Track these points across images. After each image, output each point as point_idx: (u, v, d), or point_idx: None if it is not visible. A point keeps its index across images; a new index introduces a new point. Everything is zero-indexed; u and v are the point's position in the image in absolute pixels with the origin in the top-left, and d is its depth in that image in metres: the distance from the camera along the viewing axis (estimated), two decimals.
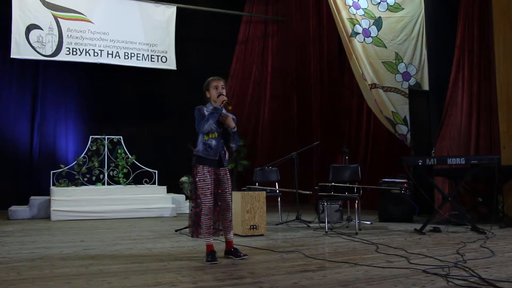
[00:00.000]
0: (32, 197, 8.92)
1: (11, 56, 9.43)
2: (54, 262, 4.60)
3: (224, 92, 4.68)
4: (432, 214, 6.78)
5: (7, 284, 3.77)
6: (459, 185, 6.93)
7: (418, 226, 6.58)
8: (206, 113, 4.62)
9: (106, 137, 9.71)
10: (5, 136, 8.53)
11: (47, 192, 9.12)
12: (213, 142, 4.61)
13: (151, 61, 10.79)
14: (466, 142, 8.11)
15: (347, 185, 6.81)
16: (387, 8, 9.22)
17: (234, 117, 4.78)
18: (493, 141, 7.85)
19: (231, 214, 4.81)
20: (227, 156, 4.75)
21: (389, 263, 4.39)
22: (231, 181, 4.86)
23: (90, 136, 9.66)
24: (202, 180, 4.58)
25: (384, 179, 7.97)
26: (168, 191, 9.74)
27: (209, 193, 4.59)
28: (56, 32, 9.88)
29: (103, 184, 9.55)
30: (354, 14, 9.13)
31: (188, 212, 4.87)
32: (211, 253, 4.56)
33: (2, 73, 7.99)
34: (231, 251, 4.74)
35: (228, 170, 4.82)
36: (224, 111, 4.69)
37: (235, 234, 6.00)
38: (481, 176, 7.36)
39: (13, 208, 8.67)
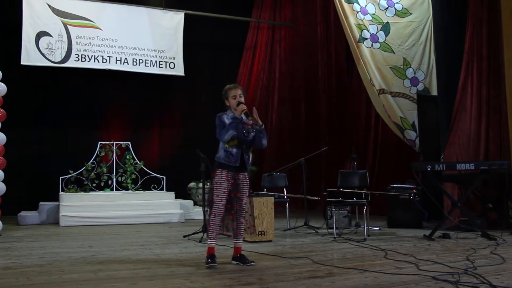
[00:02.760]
0: (41, 203, 8.97)
1: (21, 63, 9.51)
2: (63, 268, 4.61)
3: (242, 100, 4.69)
4: (442, 220, 6.73)
5: None
6: (468, 191, 6.89)
7: (427, 232, 6.54)
8: (227, 121, 4.64)
9: (115, 143, 9.74)
10: (15, 142, 8.57)
11: (56, 198, 9.16)
12: (234, 150, 4.62)
13: (159, 67, 10.84)
14: (475, 148, 8.05)
15: (356, 190, 6.79)
16: (395, 14, 9.20)
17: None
18: (503, 146, 7.80)
19: (244, 219, 4.83)
20: (250, 159, 4.75)
21: (398, 269, 4.37)
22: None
23: (99, 142, 9.70)
24: (218, 183, 4.61)
25: (392, 185, 7.94)
26: (176, 197, 9.75)
27: (223, 196, 4.60)
28: (65, 39, 9.95)
29: (112, 189, 9.58)
30: (362, 20, 9.12)
31: (200, 217, 4.89)
32: (210, 257, 4.59)
33: (12, 79, 8.05)
34: (238, 257, 4.73)
35: (247, 175, 4.82)
36: (244, 118, 4.67)
37: (243, 240, 6.01)
38: (491, 182, 7.30)
39: (23, 213, 8.72)
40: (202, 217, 6.93)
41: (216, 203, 4.60)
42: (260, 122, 4.65)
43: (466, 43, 8.33)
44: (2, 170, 7.43)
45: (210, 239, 4.67)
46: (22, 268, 4.62)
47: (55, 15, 9.91)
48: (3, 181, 7.48)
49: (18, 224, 8.48)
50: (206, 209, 4.84)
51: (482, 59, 8.18)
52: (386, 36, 9.14)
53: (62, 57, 9.91)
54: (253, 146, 4.86)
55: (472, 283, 3.75)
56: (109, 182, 9.61)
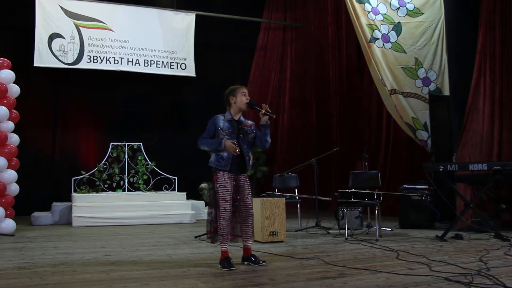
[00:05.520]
0: (54, 203, 9.04)
1: (34, 65, 9.60)
2: (75, 268, 4.65)
3: (249, 100, 4.73)
4: (454, 221, 6.69)
5: None
6: (481, 192, 6.84)
7: (440, 233, 6.50)
8: (221, 124, 4.65)
9: (127, 143, 9.79)
10: (28, 143, 8.65)
11: (68, 199, 9.23)
12: (225, 154, 4.62)
13: (170, 68, 10.88)
14: (488, 148, 7.99)
15: (367, 191, 6.77)
16: (407, 13, 9.15)
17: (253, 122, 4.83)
18: None
19: (252, 220, 4.82)
20: (251, 161, 4.76)
21: (410, 270, 4.35)
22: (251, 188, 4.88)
23: (111, 143, 9.75)
24: (222, 186, 4.60)
25: (404, 185, 7.90)
26: (188, 198, 9.78)
27: (229, 199, 4.61)
28: (77, 40, 10.03)
29: (124, 190, 9.63)
30: (373, 20, 9.08)
31: (207, 218, 4.89)
32: (226, 260, 4.57)
33: (26, 81, 8.13)
34: (249, 258, 4.73)
35: (247, 176, 4.83)
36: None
37: (254, 241, 6.01)
38: (504, 183, 7.25)
39: (36, 214, 8.80)
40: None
41: (224, 207, 4.58)
42: (266, 118, 4.65)
43: (478, 43, 8.26)
44: (16, 171, 7.52)
45: (222, 243, 4.65)
46: (35, 268, 4.67)
47: (68, 17, 9.99)
48: (16, 182, 7.57)
49: (32, 224, 8.55)
50: (210, 211, 4.81)
51: (495, 59, 8.11)
52: (397, 36, 9.10)
53: (75, 59, 9.99)
54: (255, 147, 4.88)
55: (485, 284, 3.72)
56: (121, 183, 9.67)
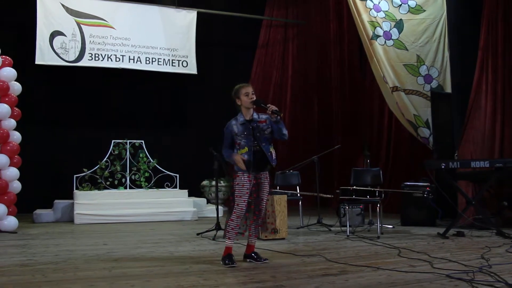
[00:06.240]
0: (56, 201, 9.05)
1: (36, 62, 9.59)
2: (77, 265, 4.66)
3: (254, 98, 4.67)
4: (456, 218, 6.69)
5: (33, 286, 3.85)
6: (483, 189, 6.83)
7: (441, 230, 6.49)
8: (236, 129, 4.64)
9: (128, 141, 9.79)
10: (30, 141, 8.66)
11: (70, 196, 9.24)
12: (245, 156, 4.62)
13: (172, 65, 10.87)
14: (490, 145, 7.98)
15: (369, 188, 6.77)
16: (408, 10, 9.14)
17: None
18: None
19: (262, 218, 4.83)
20: (274, 155, 4.74)
21: (412, 267, 4.35)
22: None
23: (112, 141, 9.75)
24: (241, 185, 4.61)
25: (406, 183, 7.90)
26: (190, 195, 9.78)
27: (246, 197, 4.60)
28: (79, 38, 10.03)
29: (125, 188, 9.63)
30: (375, 17, 9.07)
31: (213, 215, 4.91)
32: (228, 256, 4.58)
33: (27, 79, 8.13)
34: (251, 255, 4.74)
35: (268, 173, 4.81)
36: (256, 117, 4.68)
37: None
38: (506, 180, 7.23)
39: (38, 211, 8.81)
40: (215, 215, 6.95)
41: (239, 205, 4.59)
42: (274, 108, 4.59)
43: (480, 40, 8.24)
44: (18, 169, 7.53)
45: (229, 239, 4.66)
46: (37, 265, 4.68)
47: (69, 15, 9.97)
48: (18, 180, 7.58)
49: (34, 222, 8.57)
50: (225, 209, 4.83)
51: (497, 56, 8.09)
52: (399, 33, 9.09)
53: (76, 56, 9.98)
54: (272, 140, 4.83)
55: (487, 281, 3.72)
56: (123, 180, 9.67)
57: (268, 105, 4.60)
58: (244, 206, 4.59)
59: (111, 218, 8.56)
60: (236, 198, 4.61)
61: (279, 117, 4.60)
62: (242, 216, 4.64)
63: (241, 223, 4.75)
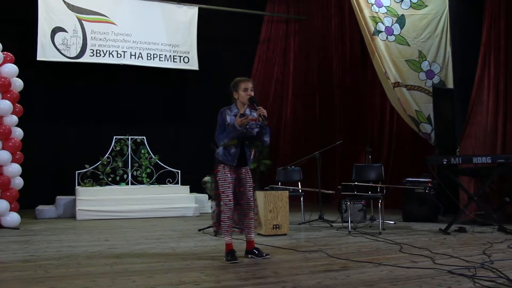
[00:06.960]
0: (58, 197, 9.07)
1: (37, 59, 9.59)
2: (79, 261, 4.67)
3: (253, 94, 4.66)
4: (457, 214, 6.68)
5: (36, 281, 3.86)
6: (485, 185, 6.82)
7: (443, 226, 6.50)
8: (228, 119, 4.63)
9: (130, 137, 9.80)
10: (32, 137, 8.67)
11: (72, 192, 9.25)
12: (233, 149, 4.62)
13: (173, 61, 10.86)
14: (492, 141, 7.95)
15: (370, 184, 6.77)
16: (410, 6, 9.10)
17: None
18: None
19: (253, 213, 4.82)
20: (252, 156, 4.75)
21: (413, 263, 4.35)
22: (253, 180, 4.87)
23: (114, 137, 9.76)
24: (222, 179, 4.62)
25: (408, 179, 7.89)
26: (191, 191, 9.79)
27: (230, 192, 4.61)
28: (80, 34, 10.02)
29: (127, 184, 9.65)
30: (377, 12, 9.05)
31: (210, 211, 4.92)
32: (230, 253, 4.59)
33: (29, 75, 8.14)
34: (253, 251, 4.74)
35: (249, 169, 4.83)
36: (248, 113, 4.66)
37: (258, 234, 6.03)
38: (508, 175, 7.22)
39: (40, 207, 8.83)
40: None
41: (223, 200, 4.61)
42: (260, 119, 4.57)
43: (483, 35, 8.20)
44: (20, 165, 7.54)
45: (226, 235, 4.67)
46: (40, 261, 4.69)
47: (70, 11, 9.97)
48: (20, 176, 7.59)
49: (36, 218, 8.59)
50: (213, 204, 4.83)
51: (499, 51, 8.05)
52: (401, 29, 9.06)
53: (77, 52, 9.98)
54: (257, 141, 4.85)
55: (488, 277, 3.72)
56: (125, 176, 9.69)
57: (259, 107, 4.58)
58: (228, 200, 4.60)
59: (113, 214, 8.58)
60: (221, 195, 4.61)
61: (265, 122, 4.59)
62: (230, 211, 4.62)
63: (239, 219, 4.76)
